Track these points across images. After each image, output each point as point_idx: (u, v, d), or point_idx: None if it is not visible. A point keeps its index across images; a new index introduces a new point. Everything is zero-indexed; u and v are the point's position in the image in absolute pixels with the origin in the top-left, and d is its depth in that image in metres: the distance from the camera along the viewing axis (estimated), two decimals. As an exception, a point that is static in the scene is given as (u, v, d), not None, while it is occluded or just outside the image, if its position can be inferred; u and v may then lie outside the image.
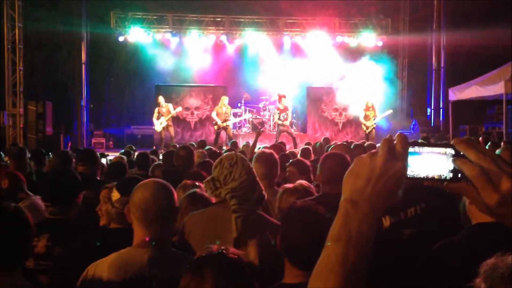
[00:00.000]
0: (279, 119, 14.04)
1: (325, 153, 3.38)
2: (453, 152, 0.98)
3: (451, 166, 0.98)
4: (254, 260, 2.61)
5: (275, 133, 15.92)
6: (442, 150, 1.00)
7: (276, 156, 4.20)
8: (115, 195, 2.50)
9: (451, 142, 1.00)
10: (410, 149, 1.00)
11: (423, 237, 2.57)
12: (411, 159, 1.00)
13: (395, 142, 1.00)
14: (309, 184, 3.59)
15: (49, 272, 2.58)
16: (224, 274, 1.55)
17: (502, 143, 9.75)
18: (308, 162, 4.76)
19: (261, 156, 4.11)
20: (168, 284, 2.02)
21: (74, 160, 5.72)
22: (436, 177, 1.00)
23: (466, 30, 15.08)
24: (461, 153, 0.96)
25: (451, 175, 0.98)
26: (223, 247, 1.63)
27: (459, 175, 0.97)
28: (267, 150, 4.38)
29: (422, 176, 1.01)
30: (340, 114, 17.27)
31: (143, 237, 2.14)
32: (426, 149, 1.01)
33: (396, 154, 0.98)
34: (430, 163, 1.00)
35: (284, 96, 14.30)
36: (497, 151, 7.79)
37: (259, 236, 2.65)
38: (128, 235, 2.21)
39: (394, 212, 3.43)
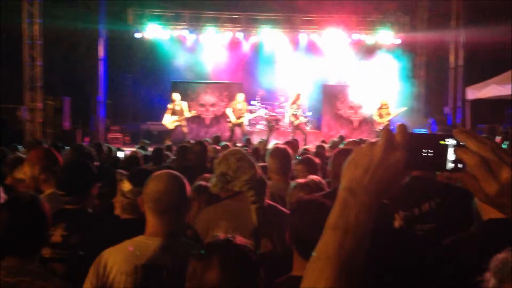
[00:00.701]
0: (296, 115, 14.09)
1: (337, 149, 3.39)
2: (454, 142, 0.98)
3: (452, 157, 0.98)
4: (275, 249, 2.65)
5: (290, 130, 15.96)
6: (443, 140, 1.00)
7: (290, 151, 4.24)
8: (126, 185, 2.55)
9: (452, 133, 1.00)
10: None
11: (437, 232, 2.57)
12: None
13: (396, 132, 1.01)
14: (320, 179, 3.61)
15: (65, 261, 2.64)
16: (230, 261, 1.57)
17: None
18: (317, 160, 4.76)
19: (276, 151, 4.16)
20: (178, 272, 2.03)
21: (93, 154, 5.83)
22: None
23: (485, 28, 14.87)
24: (462, 144, 0.96)
25: (452, 165, 0.98)
26: (230, 235, 1.65)
27: (460, 165, 0.97)
28: (281, 145, 4.42)
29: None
30: (356, 112, 17.19)
31: (155, 226, 2.18)
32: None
33: (396, 144, 0.98)
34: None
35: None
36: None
37: (277, 226, 2.69)
38: (140, 225, 2.25)
39: (408, 207, 3.44)
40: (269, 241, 2.66)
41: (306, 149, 7.59)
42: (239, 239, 1.65)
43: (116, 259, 2.10)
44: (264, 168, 4.47)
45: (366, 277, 2.63)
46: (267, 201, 2.89)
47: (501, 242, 1.74)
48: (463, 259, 2.11)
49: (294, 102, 14.52)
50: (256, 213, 2.67)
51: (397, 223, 3.40)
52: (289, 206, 2.90)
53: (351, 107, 17.24)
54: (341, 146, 6.30)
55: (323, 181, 3.65)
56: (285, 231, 2.70)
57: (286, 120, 16.82)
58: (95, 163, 5.93)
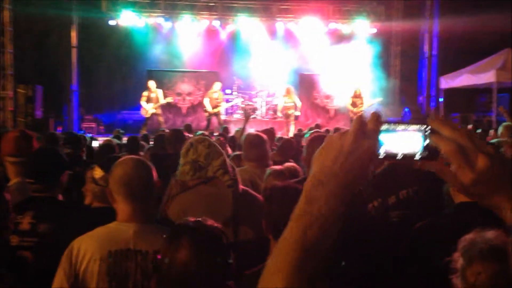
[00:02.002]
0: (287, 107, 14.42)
1: (311, 136, 3.39)
2: (428, 129, 0.96)
3: (426, 144, 0.96)
4: (253, 234, 2.65)
5: (267, 119, 16.00)
6: (417, 127, 0.98)
7: (264, 138, 4.23)
8: (98, 172, 2.50)
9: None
10: (384, 127, 0.98)
11: (414, 219, 2.60)
12: (385, 137, 0.97)
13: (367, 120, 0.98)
14: (296, 166, 3.61)
15: (34, 249, 2.58)
16: (200, 242, 1.56)
17: (491, 131, 9.82)
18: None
19: (248, 138, 4.16)
20: (152, 257, 2.04)
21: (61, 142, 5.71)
22: (410, 155, 0.98)
23: (459, 17, 15.07)
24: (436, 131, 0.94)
25: (426, 153, 0.96)
26: (200, 218, 1.64)
27: (434, 153, 0.95)
28: (253, 132, 4.43)
29: (396, 154, 0.99)
30: (332, 101, 17.30)
31: (127, 212, 2.16)
32: (401, 126, 0.99)
33: (368, 132, 0.96)
34: (405, 141, 0.98)
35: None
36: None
37: (252, 210, 2.70)
38: (111, 214, 2.22)
39: (385, 195, 3.47)
40: (247, 226, 2.65)
41: (280, 137, 7.59)
42: (210, 222, 1.64)
43: (89, 245, 2.08)
44: (240, 156, 4.48)
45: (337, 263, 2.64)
46: (240, 186, 2.88)
47: (471, 224, 1.76)
48: (432, 242, 2.13)
49: (286, 95, 14.66)
50: (233, 196, 2.68)
51: (372, 210, 3.44)
52: (264, 193, 2.90)
53: (327, 96, 17.33)
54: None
55: (299, 168, 3.65)
56: (259, 217, 2.70)
57: (263, 110, 16.83)
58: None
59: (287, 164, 3.72)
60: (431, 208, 2.97)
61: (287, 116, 14.57)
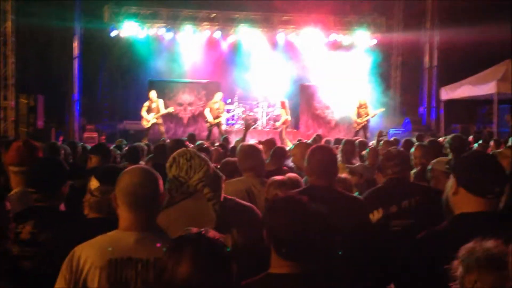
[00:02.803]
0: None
1: (313, 146, 3.40)
2: None
3: None
4: (236, 244, 2.65)
5: (267, 129, 16.05)
6: None
7: (259, 148, 4.27)
8: (93, 183, 2.50)
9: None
10: None
11: (416, 228, 2.60)
12: None
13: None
14: (297, 177, 3.62)
15: (34, 259, 2.58)
16: (202, 254, 1.56)
17: (491, 142, 9.82)
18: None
19: (242, 148, 4.22)
20: (152, 266, 2.05)
21: (63, 151, 5.73)
22: None
23: (459, 29, 15.14)
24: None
25: None
26: (202, 229, 1.64)
27: None
28: (247, 143, 4.46)
29: None
30: (333, 112, 17.32)
31: (129, 220, 2.16)
32: None
33: None
34: None
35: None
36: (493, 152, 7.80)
37: (238, 220, 2.69)
38: (106, 224, 2.22)
39: (386, 205, 3.49)
40: (229, 237, 2.65)
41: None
42: (212, 233, 1.64)
43: (90, 254, 2.08)
44: (230, 163, 4.53)
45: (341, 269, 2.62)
46: (224, 195, 2.87)
47: (472, 234, 1.77)
48: (433, 252, 2.13)
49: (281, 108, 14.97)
50: (214, 210, 2.67)
51: (374, 219, 3.45)
52: (265, 204, 2.90)
53: (329, 107, 17.35)
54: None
55: (300, 179, 3.66)
56: (246, 226, 2.70)
57: (263, 120, 16.87)
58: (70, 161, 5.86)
59: (289, 174, 3.73)
60: (433, 219, 2.98)
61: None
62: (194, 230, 1.63)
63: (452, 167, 2.42)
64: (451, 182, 2.27)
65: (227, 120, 16.18)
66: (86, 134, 16.50)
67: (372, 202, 3.51)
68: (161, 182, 2.26)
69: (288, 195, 2.34)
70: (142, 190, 2.16)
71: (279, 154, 5.35)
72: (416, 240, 2.29)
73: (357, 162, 6.12)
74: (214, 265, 1.56)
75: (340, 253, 2.54)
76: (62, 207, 2.98)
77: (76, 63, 17.55)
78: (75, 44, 17.51)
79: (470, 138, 11.92)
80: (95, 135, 16.46)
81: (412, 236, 2.31)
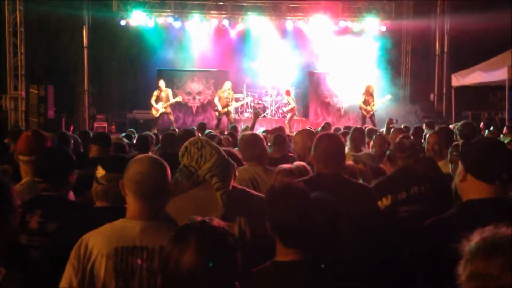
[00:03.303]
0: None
1: (320, 134, 3.39)
2: None
3: None
4: (243, 234, 2.66)
5: (276, 118, 16.04)
6: None
7: (260, 136, 4.30)
8: (100, 172, 2.51)
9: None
10: None
11: (426, 214, 2.59)
12: None
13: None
14: (305, 165, 3.61)
15: (42, 248, 2.60)
16: (207, 242, 1.56)
17: (504, 129, 9.72)
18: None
19: (243, 138, 4.25)
20: (158, 254, 2.07)
21: (72, 141, 5.76)
22: None
23: (470, 15, 14.93)
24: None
25: None
26: (207, 217, 1.64)
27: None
28: (248, 132, 4.48)
29: None
30: (342, 100, 17.23)
31: (136, 209, 2.18)
32: None
33: None
34: None
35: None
36: (502, 138, 7.74)
37: (246, 210, 2.70)
38: (112, 213, 2.24)
39: (395, 192, 3.48)
40: (235, 226, 2.66)
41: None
42: (216, 221, 1.64)
43: (97, 242, 2.10)
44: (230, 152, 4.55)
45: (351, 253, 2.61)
46: (235, 185, 2.88)
47: (480, 221, 1.74)
48: (441, 239, 2.11)
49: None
50: (221, 199, 2.68)
51: (382, 206, 3.45)
52: (267, 192, 2.91)
53: (337, 95, 17.26)
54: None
55: (308, 167, 3.65)
56: (254, 215, 2.70)
57: (273, 108, 16.84)
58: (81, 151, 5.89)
59: (297, 162, 3.73)
60: (442, 206, 2.97)
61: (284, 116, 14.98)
62: (199, 218, 1.63)
63: (460, 154, 2.39)
64: (459, 169, 2.25)
65: (236, 109, 16.17)
66: (96, 124, 16.60)
67: (381, 190, 3.50)
68: (169, 171, 2.26)
69: (288, 182, 2.33)
70: (149, 179, 2.16)
71: (280, 141, 5.35)
72: (423, 227, 2.28)
73: (366, 150, 6.08)
74: (219, 254, 1.56)
75: (346, 239, 2.53)
76: (70, 196, 3.00)
77: (85, 53, 17.59)
78: (84, 34, 17.54)
79: (482, 125, 11.81)
80: (105, 124, 16.55)
81: (420, 222, 2.30)
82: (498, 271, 1.36)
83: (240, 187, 2.98)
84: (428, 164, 3.98)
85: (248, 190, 3.03)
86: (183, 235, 1.59)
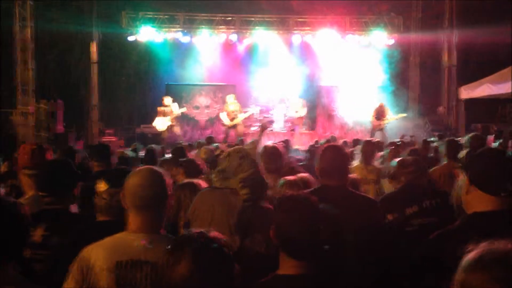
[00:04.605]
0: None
1: (324, 145, 3.37)
2: None
3: None
4: (259, 248, 2.64)
5: (284, 131, 16.03)
6: None
7: (281, 149, 4.26)
8: (102, 186, 2.50)
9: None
10: None
11: (437, 227, 2.56)
12: None
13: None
14: (308, 177, 3.59)
15: (45, 262, 2.60)
16: (202, 253, 1.55)
17: (510, 142, 9.62)
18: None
19: (266, 150, 4.19)
20: (161, 268, 2.03)
21: (80, 156, 5.79)
22: None
23: (478, 28, 14.91)
24: None
25: None
26: (204, 229, 1.63)
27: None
28: (270, 144, 4.43)
29: None
30: (350, 114, 17.19)
31: (136, 222, 2.16)
32: None
33: None
34: None
35: None
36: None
37: (267, 227, 2.68)
38: (115, 227, 2.22)
39: (403, 207, 3.45)
40: (254, 240, 2.64)
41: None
42: (213, 233, 1.62)
43: (98, 255, 2.08)
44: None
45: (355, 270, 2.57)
46: (267, 205, 2.87)
47: (484, 233, 1.71)
48: (447, 252, 2.08)
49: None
50: (246, 211, 2.69)
51: (388, 221, 3.41)
52: (274, 202, 2.90)
53: (345, 108, 17.24)
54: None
55: (312, 179, 3.63)
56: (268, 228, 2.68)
57: (280, 122, 16.82)
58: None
59: (301, 174, 3.71)
60: (450, 219, 2.94)
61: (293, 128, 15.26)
62: (197, 230, 1.62)
63: (464, 165, 2.36)
64: (462, 181, 2.22)
65: (243, 121, 16.20)
66: (104, 139, 16.66)
67: (388, 204, 3.47)
68: (169, 182, 2.24)
69: (296, 193, 2.31)
70: (146, 191, 2.15)
71: (274, 156, 5.28)
72: (428, 240, 2.25)
73: (375, 163, 6.06)
74: (214, 265, 1.54)
75: (351, 252, 2.51)
76: (74, 208, 3.00)
77: (94, 68, 17.75)
78: (94, 49, 17.70)
79: (490, 138, 11.71)
80: (114, 139, 16.61)
81: (421, 236, 2.27)
82: (489, 284, 1.33)
83: (269, 206, 2.98)
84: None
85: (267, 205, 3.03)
86: (180, 245, 1.58)
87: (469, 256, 1.46)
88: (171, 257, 1.56)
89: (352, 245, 2.57)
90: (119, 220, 2.35)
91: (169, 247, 1.61)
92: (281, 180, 3.55)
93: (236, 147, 3.03)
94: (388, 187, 4.74)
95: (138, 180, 2.17)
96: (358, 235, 2.71)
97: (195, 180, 3.94)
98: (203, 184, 3.84)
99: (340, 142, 9.99)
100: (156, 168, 2.30)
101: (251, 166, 2.85)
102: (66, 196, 2.86)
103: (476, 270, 1.38)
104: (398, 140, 9.62)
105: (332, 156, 3.13)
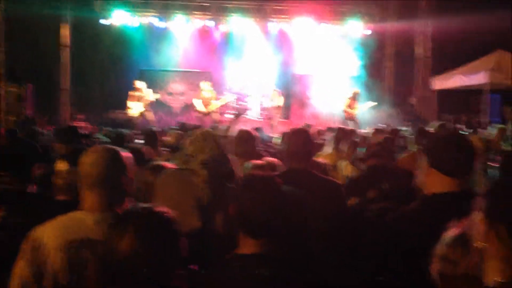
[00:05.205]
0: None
1: (290, 130, 3.38)
2: None
3: None
4: (218, 228, 2.63)
5: (257, 119, 16.05)
6: None
7: (254, 133, 4.26)
8: (62, 165, 2.46)
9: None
10: None
11: (390, 210, 2.58)
12: None
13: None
14: (276, 161, 3.59)
15: (3, 243, 2.54)
16: (145, 228, 1.52)
17: (495, 131, 9.78)
18: None
19: (237, 134, 4.21)
20: (107, 245, 2.00)
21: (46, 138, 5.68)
22: None
23: (453, 18, 15.07)
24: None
25: None
26: (150, 204, 1.60)
27: None
28: (244, 129, 4.45)
29: None
30: (325, 102, 17.28)
31: (88, 201, 2.12)
32: None
33: None
34: None
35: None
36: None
37: (227, 207, 2.68)
38: (73, 206, 2.18)
39: (365, 191, 3.49)
40: (213, 220, 2.63)
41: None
42: (159, 208, 1.59)
43: (49, 235, 2.04)
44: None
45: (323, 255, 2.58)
46: (229, 185, 2.87)
47: (442, 214, 1.73)
48: (405, 232, 2.10)
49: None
50: (205, 192, 2.68)
51: (352, 203, 3.46)
52: (238, 181, 2.89)
53: (320, 97, 17.31)
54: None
55: (279, 163, 3.63)
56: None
57: (255, 110, 16.81)
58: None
59: (267, 158, 3.72)
60: (405, 200, 2.98)
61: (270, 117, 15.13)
62: (142, 205, 1.59)
63: (423, 148, 2.38)
64: (422, 163, 2.24)
65: (218, 109, 16.14)
66: (76, 123, 16.39)
67: (351, 188, 3.51)
68: (124, 161, 2.19)
69: (260, 174, 2.29)
70: (96, 169, 2.11)
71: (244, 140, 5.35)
72: (387, 222, 2.27)
73: (346, 150, 6.12)
74: (158, 239, 1.52)
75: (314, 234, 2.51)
76: (33, 189, 2.94)
77: (66, 52, 17.39)
78: (66, 33, 17.34)
79: (462, 127, 11.93)
80: (84, 124, 16.36)
81: (381, 219, 2.29)
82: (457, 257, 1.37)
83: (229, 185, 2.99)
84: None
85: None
86: (123, 220, 1.55)
87: (451, 232, 1.51)
88: (115, 232, 1.53)
89: (315, 227, 2.57)
90: (78, 199, 2.31)
91: (112, 222, 1.58)
92: (249, 164, 3.54)
93: (202, 129, 3.00)
94: (346, 169, 4.81)
95: (90, 159, 2.14)
96: (322, 217, 2.72)
97: (163, 162, 3.90)
98: (170, 166, 3.82)
99: (315, 130, 10.06)
100: (111, 147, 2.25)
101: (213, 148, 2.83)
102: (24, 176, 2.80)
103: (457, 244, 1.43)
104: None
105: (298, 140, 3.14)
